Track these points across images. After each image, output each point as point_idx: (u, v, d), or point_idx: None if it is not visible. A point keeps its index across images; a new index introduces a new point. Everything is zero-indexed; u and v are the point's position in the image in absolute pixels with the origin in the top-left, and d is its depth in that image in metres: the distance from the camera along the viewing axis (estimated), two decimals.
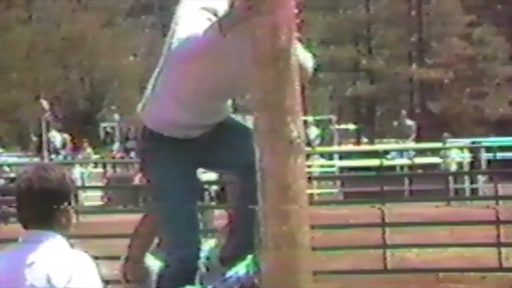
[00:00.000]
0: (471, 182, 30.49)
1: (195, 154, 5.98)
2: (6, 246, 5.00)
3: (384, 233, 16.61)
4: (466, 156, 32.58)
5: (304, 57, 5.28)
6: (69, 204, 4.86)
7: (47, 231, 4.70)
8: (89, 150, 36.21)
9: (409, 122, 38.36)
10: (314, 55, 5.68)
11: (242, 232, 5.88)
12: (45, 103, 38.29)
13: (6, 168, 31.99)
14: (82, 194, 29.77)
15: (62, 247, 4.72)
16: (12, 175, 31.82)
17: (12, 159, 37.47)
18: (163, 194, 6.06)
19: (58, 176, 5.04)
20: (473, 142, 34.53)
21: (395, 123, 39.89)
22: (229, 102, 6.22)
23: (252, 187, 4.49)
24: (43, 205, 4.76)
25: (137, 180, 27.87)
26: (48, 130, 36.70)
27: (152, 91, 6.04)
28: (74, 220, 4.93)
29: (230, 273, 5.56)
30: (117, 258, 6.85)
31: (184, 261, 5.93)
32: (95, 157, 36.16)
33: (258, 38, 3.72)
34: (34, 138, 39.10)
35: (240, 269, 5.55)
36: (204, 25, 5.47)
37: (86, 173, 34.95)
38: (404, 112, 40.21)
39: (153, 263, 6.16)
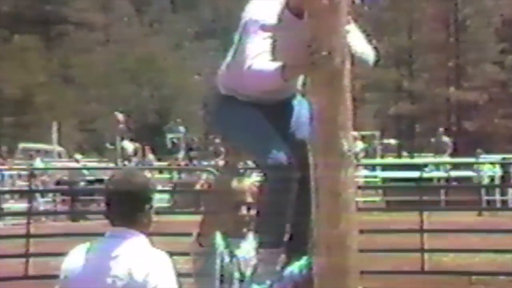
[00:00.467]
0: (502, 194, 30.23)
1: (264, 111, 5.79)
2: (86, 240, 5.01)
3: (422, 238, 16.47)
4: (497, 171, 32.19)
5: (362, 51, 5.15)
6: (151, 206, 4.96)
7: (131, 229, 4.81)
8: (151, 157, 36.26)
9: (446, 139, 38.09)
10: (375, 48, 5.52)
11: (298, 235, 5.76)
12: (120, 116, 38.54)
13: (85, 172, 32.17)
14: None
15: (143, 245, 4.81)
16: (90, 178, 32.34)
17: (90, 164, 37.83)
18: (246, 128, 5.84)
19: (142, 181, 5.22)
20: (504, 158, 34.19)
21: (433, 139, 39.57)
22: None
23: (307, 187, 4.41)
24: (129, 206, 4.89)
25: (198, 186, 28.21)
26: (121, 139, 36.96)
27: (229, 62, 5.89)
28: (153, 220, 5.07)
29: (286, 271, 5.47)
30: (182, 254, 6.66)
31: (281, 166, 5.55)
32: (158, 163, 36.14)
33: (314, 60, 3.71)
34: (110, 146, 39.54)
35: (294, 269, 5.46)
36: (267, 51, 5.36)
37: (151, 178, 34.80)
38: (441, 129, 39.90)
39: (220, 242, 5.95)
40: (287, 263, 5.82)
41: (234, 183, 5.62)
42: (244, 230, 5.54)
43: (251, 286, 5.55)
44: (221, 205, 5.80)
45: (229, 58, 5.93)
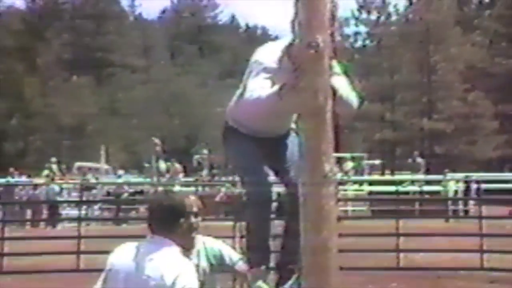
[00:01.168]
0: (464, 205, 30.54)
1: (260, 144, 5.87)
2: (127, 241, 5.04)
3: (398, 240, 16.68)
4: (461, 186, 32.45)
5: (347, 96, 5.15)
6: (186, 221, 4.94)
7: (167, 239, 4.79)
8: (180, 175, 36.21)
9: (420, 160, 38.27)
10: (359, 95, 5.50)
11: (288, 256, 5.76)
12: (156, 141, 38.78)
13: (125, 187, 32.36)
14: None
15: (175, 253, 4.77)
16: (131, 190, 32.79)
17: (132, 179, 38.11)
18: (240, 157, 6.01)
19: (180, 199, 5.16)
20: (466, 176, 34.49)
21: (410, 160, 39.73)
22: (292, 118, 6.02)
23: (297, 210, 4.40)
24: (167, 219, 4.87)
25: (218, 198, 28.26)
26: (157, 159, 36.93)
27: (236, 97, 5.96)
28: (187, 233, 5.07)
29: None
30: None
31: (262, 195, 5.77)
32: (185, 179, 36.10)
33: (303, 98, 3.75)
34: (147, 165, 39.30)
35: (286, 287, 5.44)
36: (267, 85, 5.41)
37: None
38: (416, 152, 40.26)
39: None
40: (279, 280, 5.82)
41: (183, 197, 5.38)
42: (193, 234, 5.33)
43: None
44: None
45: (237, 94, 5.95)
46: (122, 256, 4.94)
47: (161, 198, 5.69)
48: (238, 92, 5.96)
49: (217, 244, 5.69)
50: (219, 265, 5.62)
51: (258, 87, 5.52)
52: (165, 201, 5.36)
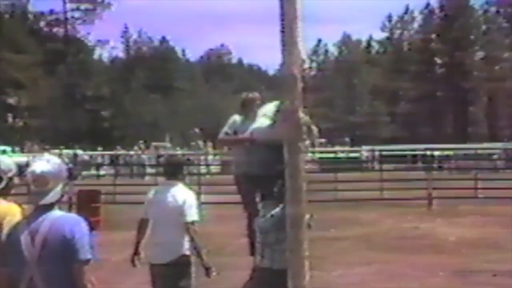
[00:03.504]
0: (372, 164, 29.04)
1: (252, 181, 5.19)
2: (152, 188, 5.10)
3: (336, 186, 16.92)
4: (370, 154, 32.03)
5: (314, 129, 5.01)
6: (182, 171, 4.96)
7: (175, 181, 4.89)
8: (210, 149, 35.28)
9: (347, 139, 41.00)
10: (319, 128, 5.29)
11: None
12: (197, 130, 40.38)
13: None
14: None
15: (182, 187, 4.89)
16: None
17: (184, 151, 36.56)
18: (243, 192, 5.43)
19: (179, 158, 5.44)
20: (372, 148, 33.96)
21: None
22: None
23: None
24: (173, 168, 5.01)
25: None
26: (196, 141, 37.98)
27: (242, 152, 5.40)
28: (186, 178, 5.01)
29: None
30: None
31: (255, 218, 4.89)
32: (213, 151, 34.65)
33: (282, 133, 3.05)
34: (192, 144, 40.16)
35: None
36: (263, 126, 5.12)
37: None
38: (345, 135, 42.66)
39: None
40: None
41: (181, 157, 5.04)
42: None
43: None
44: None
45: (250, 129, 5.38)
46: (153, 193, 5.01)
47: (170, 158, 5.99)
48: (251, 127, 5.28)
49: (190, 196, 4.96)
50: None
51: (260, 124, 5.14)
52: (171, 159, 5.65)
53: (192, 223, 4.73)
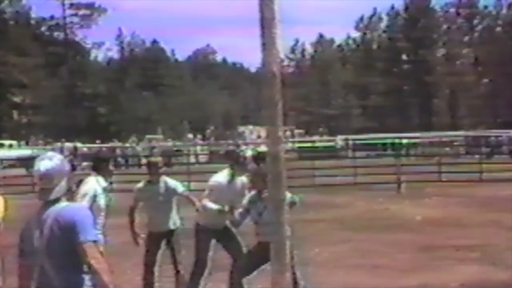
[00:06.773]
0: (346, 152, 28.96)
1: (214, 233, 5.31)
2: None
3: (314, 172, 16.81)
4: (344, 142, 31.68)
5: (292, 197, 4.46)
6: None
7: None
8: (199, 141, 35.10)
9: (321, 129, 40.97)
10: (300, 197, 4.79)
11: None
12: (185, 124, 40.44)
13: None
14: None
15: (168, 179, 5.19)
16: (175, 148, 32.14)
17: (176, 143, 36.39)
18: (199, 242, 5.35)
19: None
20: (346, 137, 33.46)
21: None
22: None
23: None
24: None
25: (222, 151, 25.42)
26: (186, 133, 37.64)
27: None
28: None
29: None
30: None
31: (204, 266, 5.28)
32: (202, 142, 35.00)
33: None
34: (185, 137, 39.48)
35: None
36: None
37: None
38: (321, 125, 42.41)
39: None
40: None
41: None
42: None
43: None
44: None
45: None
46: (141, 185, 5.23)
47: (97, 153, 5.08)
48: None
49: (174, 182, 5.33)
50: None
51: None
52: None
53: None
